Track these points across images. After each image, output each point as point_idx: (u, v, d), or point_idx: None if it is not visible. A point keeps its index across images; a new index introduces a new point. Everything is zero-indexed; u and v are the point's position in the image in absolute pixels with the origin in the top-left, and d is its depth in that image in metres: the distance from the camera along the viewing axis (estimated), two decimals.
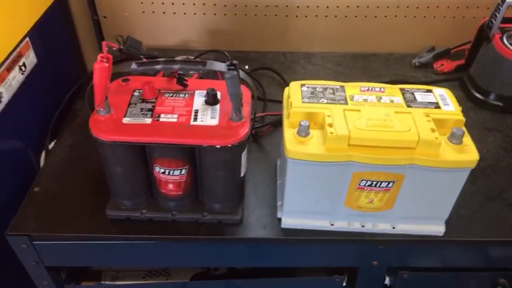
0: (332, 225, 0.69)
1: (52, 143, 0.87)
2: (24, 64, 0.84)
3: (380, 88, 0.67)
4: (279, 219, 0.70)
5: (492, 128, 0.91)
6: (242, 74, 0.62)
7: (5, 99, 0.78)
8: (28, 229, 0.68)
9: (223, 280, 0.80)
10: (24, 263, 0.72)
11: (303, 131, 0.61)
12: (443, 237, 0.69)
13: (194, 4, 1.04)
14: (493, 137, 0.88)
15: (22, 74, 0.84)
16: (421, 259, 0.74)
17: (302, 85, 0.68)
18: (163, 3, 1.04)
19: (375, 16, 1.07)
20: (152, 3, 1.04)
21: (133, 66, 0.61)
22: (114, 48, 0.61)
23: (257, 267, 0.81)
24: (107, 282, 0.83)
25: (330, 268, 0.80)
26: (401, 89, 0.67)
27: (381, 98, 0.65)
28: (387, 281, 0.78)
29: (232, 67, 0.58)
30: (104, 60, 0.58)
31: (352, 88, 0.67)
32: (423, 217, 0.67)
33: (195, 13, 1.05)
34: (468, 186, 0.76)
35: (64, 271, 0.79)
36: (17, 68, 0.82)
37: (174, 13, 1.05)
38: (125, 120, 0.62)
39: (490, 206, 0.75)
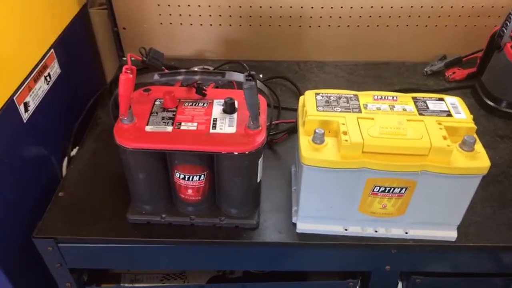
0: (346, 230, 0.71)
1: (75, 150, 0.90)
2: (49, 75, 0.88)
3: (393, 97, 0.69)
4: (294, 224, 0.72)
5: (504, 135, 0.92)
6: (259, 83, 0.64)
7: (32, 107, 0.82)
8: (54, 232, 0.71)
9: (239, 284, 0.82)
10: (49, 265, 0.75)
11: (318, 139, 0.63)
12: (455, 242, 0.70)
13: (210, 15, 1.07)
14: (505, 144, 0.90)
15: (47, 84, 0.88)
16: (434, 264, 0.76)
17: (317, 94, 0.70)
18: (180, 15, 1.07)
19: (387, 26, 1.09)
20: (170, 14, 1.07)
21: (156, 77, 0.64)
22: (133, 58, 0.64)
23: (272, 272, 0.83)
24: (126, 285, 0.85)
25: (344, 272, 0.81)
26: (413, 98, 0.69)
27: (394, 107, 0.67)
28: (400, 286, 0.80)
29: (250, 78, 0.61)
30: (128, 71, 0.61)
31: (366, 97, 0.69)
32: (435, 222, 0.69)
33: (211, 24, 1.09)
34: (480, 192, 0.78)
35: (86, 273, 0.81)
36: (42, 78, 0.86)
37: (191, 24, 1.09)
38: (148, 128, 0.65)
39: (502, 212, 0.76)
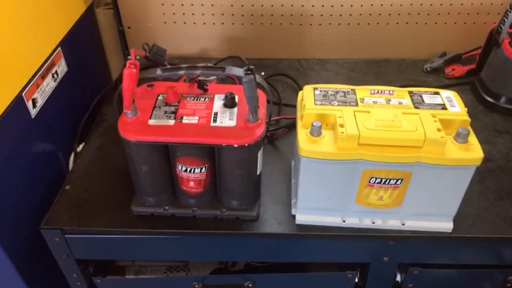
0: (343, 221, 0.73)
1: (81, 146, 0.93)
2: (56, 72, 0.91)
3: (389, 91, 0.71)
4: (294, 216, 0.74)
5: (502, 131, 0.93)
6: (258, 78, 0.66)
7: (39, 104, 0.85)
8: (61, 224, 0.74)
9: (240, 275, 0.84)
10: (56, 256, 0.78)
11: (315, 131, 0.65)
12: (452, 233, 0.72)
13: (213, 14, 1.10)
14: (503, 139, 0.91)
15: (55, 81, 0.90)
16: (431, 255, 0.77)
17: (315, 88, 0.72)
18: (184, 14, 1.10)
19: (387, 24, 1.11)
20: (174, 13, 1.10)
21: (158, 72, 0.66)
22: (137, 57, 0.67)
23: (272, 264, 0.85)
24: (131, 276, 0.88)
25: (343, 264, 0.83)
26: (409, 92, 0.71)
27: (390, 100, 0.69)
28: (398, 277, 0.81)
29: (249, 72, 0.63)
30: (132, 66, 0.63)
31: (363, 91, 0.71)
32: (431, 213, 0.70)
33: (214, 23, 1.11)
34: (477, 186, 0.79)
35: (91, 265, 0.84)
36: (50, 75, 0.88)
37: (194, 23, 1.11)
38: (151, 122, 0.67)
39: (499, 204, 0.77)
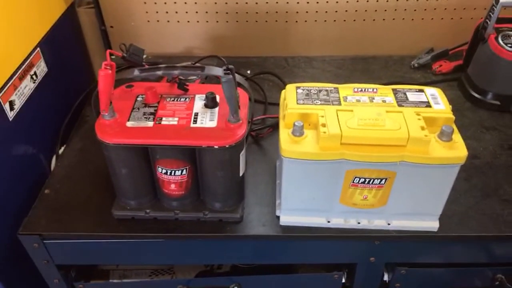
0: (328, 222, 0.71)
1: (62, 148, 0.91)
2: (35, 73, 0.89)
3: (373, 89, 0.70)
4: (278, 217, 0.73)
5: (490, 127, 0.92)
6: (239, 78, 0.65)
7: (17, 106, 0.82)
8: (39, 229, 0.72)
9: (226, 278, 0.83)
10: (36, 262, 0.76)
11: (297, 131, 0.63)
12: (438, 232, 0.71)
13: (197, 12, 1.08)
14: (490, 136, 0.90)
15: (34, 82, 0.88)
16: (418, 254, 0.76)
17: (298, 87, 0.70)
18: (167, 12, 1.08)
19: (374, 20, 1.09)
20: (157, 12, 1.08)
21: (136, 72, 0.65)
22: (113, 56, 0.65)
23: (259, 265, 0.84)
24: (115, 280, 0.86)
25: (330, 264, 0.82)
26: (393, 90, 0.70)
27: (373, 99, 0.68)
28: (385, 277, 0.80)
29: (228, 72, 0.61)
30: (108, 67, 0.61)
31: (346, 90, 0.70)
32: (417, 213, 0.69)
33: (198, 21, 1.09)
34: (463, 183, 0.78)
35: (73, 270, 0.82)
36: (28, 77, 0.86)
37: (178, 21, 1.09)
38: (129, 124, 0.66)
39: (485, 202, 0.76)
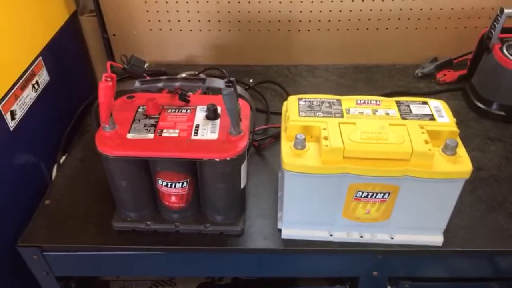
0: (331, 235, 0.70)
1: (64, 157, 0.90)
2: (37, 82, 0.88)
3: (376, 101, 0.69)
4: (280, 230, 0.72)
5: (494, 138, 0.91)
6: (240, 89, 0.64)
7: (19, 115, 0.82)
8: (39, 241, 0.71)
9: None
10: (35, 273, 0.75)
11: (299, 144, 0.63)
12: (442, 247, 0.70)
13: (199, 21, 1.07)
14: (495, 147, 0.89)
15: (35, 92, 0.88)
16: (422, 269, 0.75)
17: (300, 99, 0.70)
18: (169, 21, 1.08)
19: (377, 29, 1.09)
20: (159, 20, 1.08)
21: (137, 84, 0.64)
22: (114, 66, 0.65)
23: (260, 278, 0.83)
24: None
25: (332, 278, 0.81)
26: (396, 102, 0.69)
27: (376, 111, 0.67)
28: None
29: (229, 84, 0.61)
30: (108, 79, 0.61)
31: (349, 102, 0.69)
32: (420, 227, 0.68)
33: (200, 30, 1.09)
34: (468, 196, 0.77)
35: (74, 281, 0.81)
36: (30, 86, 0.86)
37: (181, 30, 1.09)
38: (129, 136, 0.65)
39: (490, 215, 0.75)
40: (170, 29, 1.09)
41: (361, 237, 0.70)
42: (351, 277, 0.79)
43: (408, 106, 0.68)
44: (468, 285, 0.79)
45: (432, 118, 0.66)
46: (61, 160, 0.91)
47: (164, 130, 0.66)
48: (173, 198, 0.69)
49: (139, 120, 0.68)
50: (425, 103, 0.69)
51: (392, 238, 0.70)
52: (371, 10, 1.06)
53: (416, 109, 0.67)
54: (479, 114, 0.97)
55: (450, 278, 0.78)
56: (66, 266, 0.75)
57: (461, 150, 0.62)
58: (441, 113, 0.67)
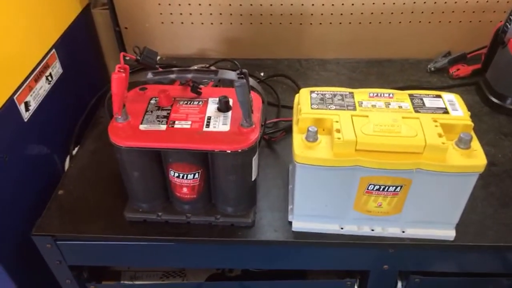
0: (341, 228, 0.70)
1: (76, 149, 0.91)
2: (50, 74, 0.89)
3: (389, 94, 0.69)
4: (290, 223, 0.72)
5: (509, 133, 0.90)
6: (252, 81, 0.64)
7: (33, 107, 0.83)
8: (52, 230, 0.73)
9: (237, 282, 0.82)
10: (48, 262, 0.76)
11: (311, 137, 0.63)
12: (454, 242, 0.69)
13: (211, 14, 1.07)
14: (509, 142, 0.88)
15: (49, 83, 0.89)
16: (432, 263, 0.75)
17: (312, 91, 0.70)
18: (181, 14, 1.08)
19: (390, 22, 1.08)
20: (171, 14, 1.08)
21: (149, 75, 0.65)
22: (127, 58, 0.65)
23: (270, 270, 0.83)
24: (126, 282, 0.86)
25: (342, 271, 0.81)
26: (410, 95, 0.68)
27: (389, 104, 0.67)
28: (399, 285, 0.79)
29: (241, 76, 0.61)
30: (121, 70, 0.61)
31: (361, 94, 0.69)
32: (432, 221, 0.68)
33: (212, 23, 1.09)
34: (481, 191, 0.77)
35: (86, 270, 0.82)
36: (44, 78, 0.87)
37: (192, 23, 1.09)
38: (142, 127, 0.65)
39: (503, 211, 0.74)
40: (182, 22, 1.09)
41: (372, 230, 0.70)
42: (361, 270, 0.79)
43: (422, 99, 0.67)
44: (479, 280, 0.79)
45: (446, 111, 0.65)
46: (74, 152, 0.92)
47: (176, 122, 0.66)
48: (184, 189, 0.69)
49: (152, 112, 0.68)
50: (438, 96, 0.68)
51: (403, 232, 0.70)
52: (384, 3, 1.05)
53: (429, 102, 0.67)
54: (493, 109, 0.96)
55: (460, 273, 0.77)
56: (78, 256, 0.76)
57: (475, 144, 0.62)
58: (455, 106, 0.66)
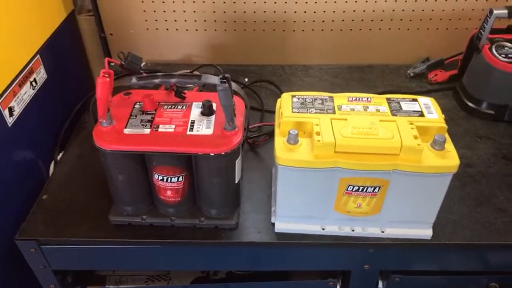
0: (323, 229, 0.72)
1: (61, 154, 0.92)
2: (35, 80, 0.90)
3: (367, 98, 0.71)
4: (273, 224, 0.74)
5: (484, 136, 0.93)
6: (235, 86, 0.66)
7: (17, 112, 0.83)
8: (37, 234, 0.73)
9: (222, 284, 0.83)
10: (33, 267, 0.76)
11: (292, 139, 0.64)
12: (431, 240, 0.71)
13: (195, 20, 1.09)
14: (484, 144, 0.91)
15: (33, 89, 0.89)
16: (412, 262, 0.77)
17: (293, 96, 0.71)
18: (166, 20, 1.09)
19: (370, 29, 1.11)
20: (156, 20, 1.09)
21: (134, 80, 0.66)
22: (112, 63, 0.66)
23: (255, 272, 0.84)
24: (111, 286, 0.86)
25: (325, 271, 0.82)
26: (387, 99, 0.71)
27: (367, 108, 0.69)
28: (380, 284, 0.81)
29: (224, 80, 0.63)
30: (106, 75, 0.62)
31: (341, 99, 0.71)
32: (410, 221, 0.70)
33: (196, 29, 1.11)
34: (457, 192, 0.79)
35: (70, 275, 0.82)
36: (28, 83, 0.87)
37: (177, 29, 1.11)
38: (126, 131, 0.66)
39: (479, 210, 0.77)
40: (167, 29, 1.11)
41: (353, 230, 0.72)
42: (343, 270, 0.80)
43: (398, 103, 0.70)
44: (457, 278, 0.81)
45: (421, 114, 0.68)
46: (58, 157, 0.92)
47: (160, 126, 0.67)
48: (168, 192, 0.70)
49: (136, 116, 0.69)
50: (415, 100, 0.71)
51: (382, 231, 0.72)
52: (364, 11, 1.08)
53: (406, 105, 0.69)
54: (469, 113, 0.99)
55: (439, 272, 0.80)
56: (63, 260, 0.76)
57: (449, 145, 0.64)
58: (430, 109, 0.69)
